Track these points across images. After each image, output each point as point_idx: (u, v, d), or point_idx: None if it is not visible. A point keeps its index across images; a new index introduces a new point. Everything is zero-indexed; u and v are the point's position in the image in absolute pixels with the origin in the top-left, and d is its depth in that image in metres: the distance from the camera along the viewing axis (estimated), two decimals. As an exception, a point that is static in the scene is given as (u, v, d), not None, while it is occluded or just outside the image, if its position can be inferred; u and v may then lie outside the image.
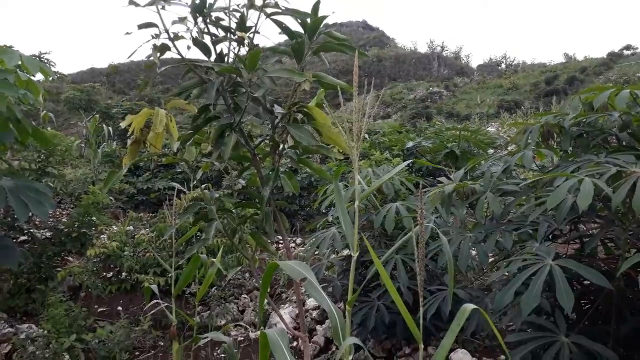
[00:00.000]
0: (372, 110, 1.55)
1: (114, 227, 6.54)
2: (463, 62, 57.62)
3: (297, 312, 5.18)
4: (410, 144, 4.53)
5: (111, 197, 7.53)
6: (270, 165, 2.15)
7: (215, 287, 5.92)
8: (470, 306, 1.20)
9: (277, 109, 2.02)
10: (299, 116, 2.13)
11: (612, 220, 2.21)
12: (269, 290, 6.11)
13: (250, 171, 2.30)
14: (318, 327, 4.77)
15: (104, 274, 5.58)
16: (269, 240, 2.33)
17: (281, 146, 2.11)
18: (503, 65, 53.34)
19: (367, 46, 54.10)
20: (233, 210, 2.25)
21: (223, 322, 5.29)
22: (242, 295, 5.97)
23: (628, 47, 39.47)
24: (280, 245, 7.72)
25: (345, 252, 4.56)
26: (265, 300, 5.91)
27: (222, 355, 4.53)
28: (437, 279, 3.32)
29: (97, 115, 11.50)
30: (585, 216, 2.36)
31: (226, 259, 5.79)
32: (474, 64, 59.56)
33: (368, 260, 3.62)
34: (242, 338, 5.04)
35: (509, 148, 4.52)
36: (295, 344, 4.66)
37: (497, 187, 2.66)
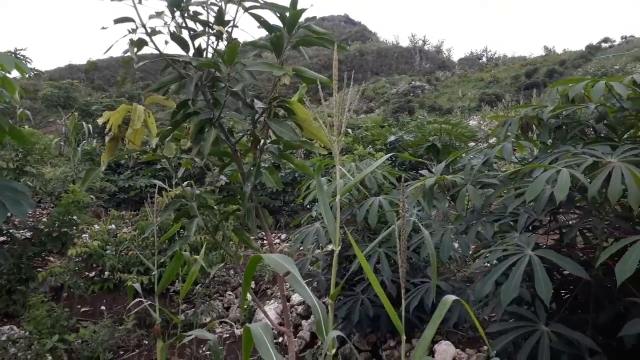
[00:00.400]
0: (353, 105, 1.55)
1: (95, 226, 6.45)
2: (445, 55, 58.00)
3: (282, 308, 5.18)
4: (392, 138, 4.55)
5: (92, 196, 7.42)
6: (252, 161, 2.14)
7: (199, 285, 5.88)
8: (451, 297, 1.21)
9: (258, 104, 2.01)
10: (280, 111, 2.12)
11: (589, 211, 2.25)
12: (253, 286, 6.11)
13: (232, 167, 2.29)
14: (304, 322, 4.77)
15: (86, 273, 5.50)
16: (252, 237, 2.32)
17: (262, 141, 2.10)
18: (484, 59, 53.85)
19: (349, 40, 54.11)
20: (215, 207, 2.23)
21: (208, 319, 5.27)
22: (227, 292, 5.94)
23: (606, 40, 40.17)
24: (264, 242, 7.71)
25: (330, 247, 4.56)
26: (250, 297, 5.88)
27: (207, 352, 4.51)
28: (420, 271, 3.34)
29: (76, 113, 11.29)
30: (564, 207, 2.40)
31: (210, 256, 5.75)
32: (456, 57, 60.00)
33: (352, 255, 3.63)
34: (227, 335, 5.02)
35: (490, 141, 4.57)
36: (280, 339, 4.66)
37: (478, 180, 2.69)
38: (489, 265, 2.54)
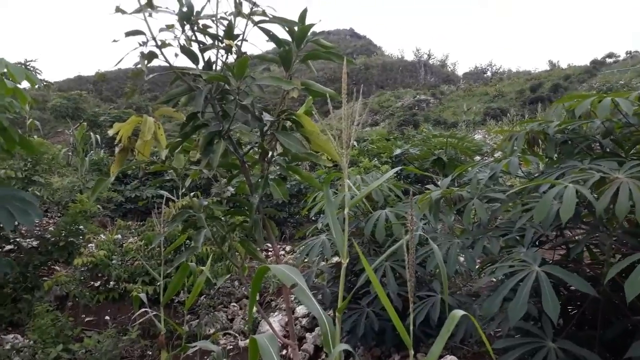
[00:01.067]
0: (361, 118, 1.57)
1: (101, 235, 6.47)
2: (449, 70, 58.23)
3: (286, 320, 5.16)
4: (398, 151, 4.57)
5: (99, 206, 7.46)
6: (259, 172, 2.15)
7: (204, 296, 5.88)
8: (459, 312, 1.21)
9: (266, 117, 2.03)
10: (288, 124, 2.14)
11: (596, 226, 2.25)
12: (257, 298, 6.10)
13: (239, 179, 2.30)
14: (307, 334, 4.75)
15: (92, 283, 5.51)
16: (258, 248, 2.33)
17: (270, 154, 2.12)
18: (489, 73, 54.00)
19: (355, 54, 54.47)
20: (222, 218, 2.24)
21: (212, 330, 5.26)
22: (231, 304, 5.93)
23: (610, 55, 40.24)
24: (269, 253, 7.70)
25: (335, 259, 4.56)
26: (255, 308, 5.88)
27: (211, 364, 4.49)
28: (426, 285, 3.33)
29: (85, 124, 11.40)
30: (570, 222, 2.39)
31: (215, 267, 5.76)
32: (460, 71, 60.21)
33: (358, 268, 3.63)
34: (231, 347, 5.00)
35: (495, 155, 4.57)
36: (284, 352, 4.64)
37: (484, 194, 2.69)
38: (494, 280, 2.52)
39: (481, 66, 57.05)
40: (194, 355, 4.58)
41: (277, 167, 2.14)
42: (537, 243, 2.65)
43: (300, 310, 5.12)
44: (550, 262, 2.19)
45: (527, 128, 2.84)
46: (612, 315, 2.24)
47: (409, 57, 59.61)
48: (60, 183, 7.71)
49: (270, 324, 2.63)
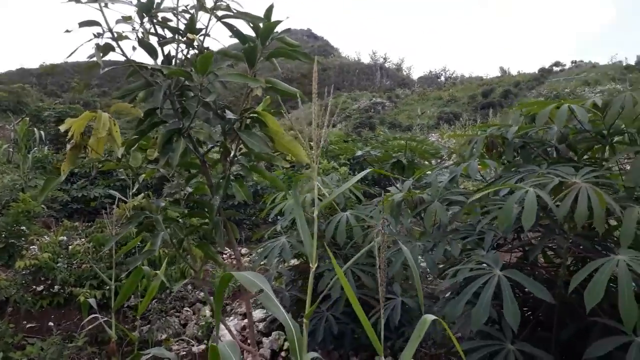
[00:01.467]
0: (332, 119, 1.53)
1: (45, 237, 6.13)
2: (405, 73, 59.40)
3: (242, 324, 5.05)
4: (359, 153, 4.58)
5: (43, 206, 7.07)
6: (221, 172, 2.07)
7: (155, 300, 5.67)
8: (430, 317, 1.19)
9: (229, 115, 1.95)
10: (251, 122, 2.08)
11: (552, 230, 2.30)
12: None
13: (197, 179, 2.21)
14: (264, 339, 4.66)
15: (34, 287, 5.20)
16: (218, 251, 2.24)
17: (232, 153, 2.04)
18: (442, 78, 55.44)
19: (312, 55, 54.50)
20: (180, 220, 2.14)
21: (164, 336, 5.07)
22: (184, 308, 5.75)
23: (557, 64, 42.28)
24: (223, 256, 7.55)
25: (293, 262, 4.50)
26: (209, 313, 5.71)
27: (164, 371, 4.32)
28: (386, 288, 3.33)
29: (27, 119, 10.79)
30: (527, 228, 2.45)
31: (169, 270, 5.56)
32: (415, 76, 61.51)
33: (318, 272, 3.58)
34: (184, 353, 4.84)
35: (452, 158, 4.65)
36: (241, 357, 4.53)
37: (445, 197, 2.72)
38: (454, 283, 2.54)
39: (435, 71, 58.53)
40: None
41: (240, 168, 2.07)
42: (495, 245, 2.69)
43: (257, 314, 5.02)
44: (506, 263, 2.23)
45: (487, 132, 2.89)
46: (566, 316, 2.30)
47: (366, 59, 60.35)
48: (0, 181, 7.26)
49: (229, 330, 2.55)
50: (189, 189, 2.20)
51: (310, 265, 1.38)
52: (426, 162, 4.47)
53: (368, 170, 1.45)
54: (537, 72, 40.30)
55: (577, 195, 1.84)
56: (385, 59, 58.46)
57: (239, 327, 4.89)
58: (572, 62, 42.81)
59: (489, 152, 2.94)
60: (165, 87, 1.88)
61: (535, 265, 2.46)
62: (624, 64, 36.60)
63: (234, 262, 7.31)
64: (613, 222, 2.33)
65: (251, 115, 2.03)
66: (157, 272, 2.81)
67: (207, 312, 5.69)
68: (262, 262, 3.56)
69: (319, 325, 3.32)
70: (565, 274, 2.13)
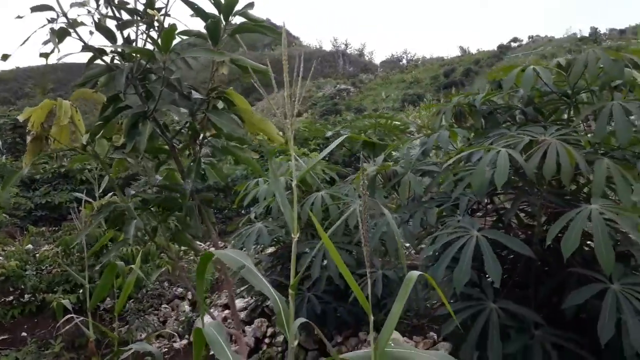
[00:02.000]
0: (302, 92, 1.50)
1: (11, 246, 5.90)
2: (367, 59, 59.64)
3: (223, 315, 5.01)
4: (329, 133, 4.57)
5: (5, 215, 6.80)
6: (191, 156, 2.02)
7: (132, 300, 5.57)
8: (415, 273, 1.19)
9: (195, 95, 1.90)
10: (220, 103, 2.03)
11: (524, 190, 2.35)
12: (190, 297, 5.87)
13: (167, 166, 2.15)
14: (247, 328, 4.64)
15: (4, 298, 5.01)
16: (196, 238, 2.20)
17: (202, 136, 1.99)
18: (404, 61, 55.89)
19: (273, 44, 54.04)
20: (152, 208, 2.08)
21: (144, 335, 4.99)
22: (162, 306, 5.67)
23: (515, 40, 43.21)
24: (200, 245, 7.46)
25: (271, 249, 4.47)
26: (189, 308, 5.62)
27: (147, 370, 4.25)
28: (361, 262, 3.34)
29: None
30: (502, 188, 2.49)
31: (145, 267, 5.46)
32: (377, 60, 61.82)
33: (299, 251, 3.57)
34: (165, 349, 4.77)
35: (421, 133, 4.69)
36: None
37: (417, 168, 2.73)
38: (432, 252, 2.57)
39: (397, 54, 58.97)
40: (127, 361, 4.31)
41: (211, 150, 2.02)
42: (469, 212, 2.73)
43: (239, 303, 4.98)
44: (482, 227, 2.26)
45: (454, 101, 2.91)
46: (543, 274, 2.36)
47: (327, 47, 60.24)
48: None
49: (213, 317, 2.51)
50: (158, 177, 2.14)
51: (292, 235, 1.35)
52: (397, 139, 4.50)
53: (344, 136, 1.43)
54: (496, 48, 41.07)
55: (546, 150, 1.87)
56: (346, 45, 58.53)
57: (219, 319, 4.85)
58: (529, 37, 43.85)
59: (457, 122, 2.96)
60: (127, 70, 1.81)
61: (510, 228, 2.50)
62: (579, 36, 37.67)
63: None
64: (583, 181, 2.40)
65: (219, 95, 1.98)
66: (132, 266, 2.75)
67: (186, 308, 5.62)
68: (240, 249, 3.51)
69: (302, 306, 3.31)
70: (541, 231, 2.17)
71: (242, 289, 4.22)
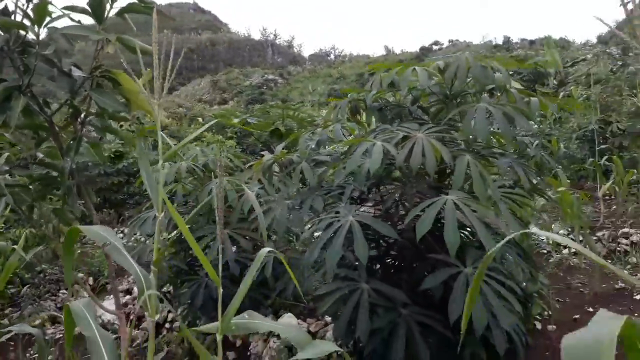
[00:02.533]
0: (175, 66, 1.54)
1: None
2: (296, 51, 59.65)
3: (124, 301, 4.90)
4: (236, 120, 4.60)
5: None
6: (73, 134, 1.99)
7: (27, 286, 5.30)
8: (265, 250, 1.29)
9: (76, 72, 1.87)
10: (105, 82, 2.01)
11: (404, 182, 2.55)
12: (92, 282, 5.67)
13: (49, 143, 2.10)
14: (146, 313, 4.58)
15: None
16: (76, 217, 2.17)
17: (84, 114, 1.97)
18: (332, 56, 56.56)
19: (200, 29, 52.57)
20: (30, 186, 2.03)
21: (38, 321, 4.77)
22: (60, 291, 5.43)
23: (436, 43, 45.21)
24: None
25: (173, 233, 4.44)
26: (86, 293, 5.43)
27: (36, 355, 4.09)
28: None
29: None
30: (385, 180, 2.68)
31: (40, 251, 5.19)
32: (306, 53, 62.07)
33: (197, 237, 3.59)
34: (60, 335, 4.59)
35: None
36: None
37: (312, 158, 2.86)
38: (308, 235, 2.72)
39: (325, 49, 59.55)
40: (14, 347, 4.12)
41: (94, 129, 2.00)
42: (358, 201, 2.90)
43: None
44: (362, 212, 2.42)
45: (349, 97, 3.06)
46: (416, 259, 2.57)
47: (256, 36, 59.52)
48: None
49: (100, 305, 2.49)
50: (39, 154, 2.09)
51: (157, 213, 1.40)
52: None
53: (213, 121, 1.49)
54: (418, 50, 42.73)
55: (414, 145, 2.05)
56: (275, 35, 58.14)
57: (119, 304, 4.74)
58: (449, 41, 46.11)
59: (353, 116, 3.12)
60: (2, 42, 1.75)
61: (391, 216, 2.69)
62: (493, 43, 40.15)
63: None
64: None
65: (103, 74, 1.97)
66: (15, 247, 2.64)
67: (86, 294, 5.42)
68: (135, 234, 3.48)
69: (199, 292, 3.35)
70: (412, 219, 2.37)
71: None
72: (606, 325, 0.57)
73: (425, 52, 41.93)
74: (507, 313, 1.99)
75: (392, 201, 2.52)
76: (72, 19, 1.93)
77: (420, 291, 2.43)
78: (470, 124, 2.25)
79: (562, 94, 11.36)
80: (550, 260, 4.46)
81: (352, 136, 3.40)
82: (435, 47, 43.89)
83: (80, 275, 5.73)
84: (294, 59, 54.90)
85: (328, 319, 3.55)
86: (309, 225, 2.56)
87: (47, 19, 1.70)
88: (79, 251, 6.48)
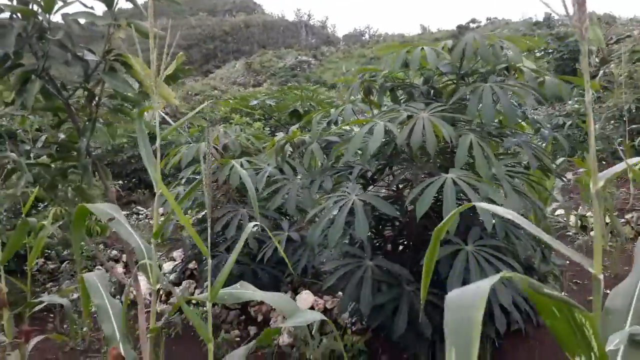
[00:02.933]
0: (171, 46, 1.62)
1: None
2: (330, 31, 59.11)
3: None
4: (254, 102, 4.67)
5: None
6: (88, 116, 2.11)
7: (66, 262, 5.63)
8: (250, 225, 1.36)
9: (89, 56, 1.98)
10: (118, 66, 2.11)
11: (410, 162, 2.57)
12: (125, 260, 5.95)
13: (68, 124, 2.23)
14: (176, 289, 4.78)
15: None
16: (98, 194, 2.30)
17: (97, 97, 2.08)
18: (367, 36, 55.78)
19: (234, 11, 52.72)
20: (52, 165, 2.17)
21: (76, 295, 5.06)
22: (96, 268, 5.73)
23: (473, 21, 43.86)
24: (140, 215, 7.49)
25: (202, 214, 4.60)
26: (122, 270, 5.69)
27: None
28: (276, 224, 3.51)
29: None
30: (394, 160, 2.70)
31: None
32: (340, 33, 61.45)
33: (216, 216, 3.71)
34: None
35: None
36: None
37: (323, 138, 2.91)
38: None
39: (359, 29, 58.74)
40: (52, 318, 4.40)
41: (106, 110, 2.11)
42: (371, 182, 2.93)
43: (167, 266, 5.11)
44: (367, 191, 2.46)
45: (362, 78, 3.08)
46: (421, 239, 2.60)
47: (290, 17, 59.30)
48: None
49: (114, 272, 2.64)
50: (61, 135, 2.22)
51: (155, 190, 1.49)
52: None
53: (204, 104, 1.56)
54: (455, 28, 41.57)
55: (414, 124, 2.07)
56: (309, 16, 57.73)
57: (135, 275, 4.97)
58: (487, 19, 44.61)
59: (367, 96, 3.14)
60: (19, 28, 1.86)
61: (401, 195, 2.72)
62: (534, 21, 38.59)
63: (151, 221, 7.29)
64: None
65: (116, 58, 2.06)
66: (44, 223, 2.82)
67: (120, 270, 5.70)
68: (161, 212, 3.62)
69: (219, 267, 3.48)
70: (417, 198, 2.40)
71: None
72: (486, 281, 0.61)
73: (462, 30, 40.70)
74: (506, 291, 2.00)
75: (399, 181, 2.55)
76: (85, 5, 2.03)
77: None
78: (476, 105, 2.24)
79: (601, 72, 10.91)
80: (575, 243, 4.39)
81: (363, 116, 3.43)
82: (472, 25, 42.61)
83: (115, 252, 6.02)
84: (328, 39, 54.49)
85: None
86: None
87: (59, 4, 1.80)
88: (113, 230, 6.77)
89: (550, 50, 20.33)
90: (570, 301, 0.65)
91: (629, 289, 0.86)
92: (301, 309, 1.42)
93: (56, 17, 1.97)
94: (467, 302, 0.57)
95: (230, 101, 6.09)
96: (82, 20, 1.95)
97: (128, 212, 6.70)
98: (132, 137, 8.09)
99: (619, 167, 0.82)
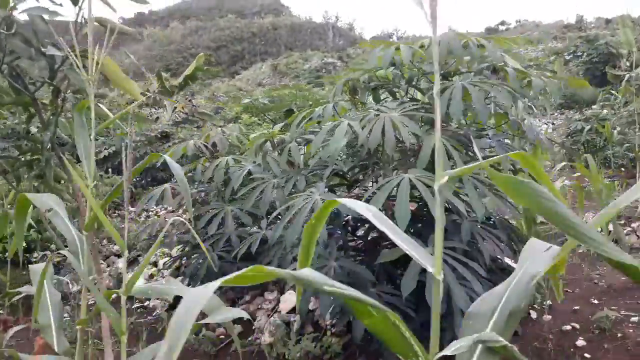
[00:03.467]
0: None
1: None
2: (357, 33, 59.06)
3: (150, 273, 5.21)
4: (245, 101, 4.69)
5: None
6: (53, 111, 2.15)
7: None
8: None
9: (52, 51, 2.01)
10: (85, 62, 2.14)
11: (378, 163, 2.52)
12: (127, 254, 6.05)
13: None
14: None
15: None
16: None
17: (63, 92, 2.11)
18: (394, 38, 55.50)
19: (262, 13, 53.21)
20: (21, 158, 2.22)
21: (77, 288, 5.17)
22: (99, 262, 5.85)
23: (503, 23, 43.17)
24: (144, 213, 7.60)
25: (185, 216, 4.64)
26: (122, 265, 5.79)
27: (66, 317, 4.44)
28: (255, 224, 3.49)
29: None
30: (371, 160, 2.66)
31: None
32: (367, 36, 61.33)
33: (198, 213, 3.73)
34: (93, 301, 4.96)
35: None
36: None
37: (302, 137, 2.89)
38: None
39: (387, 31, 58.50)
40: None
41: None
42: (355, 183, 2.89)
43: (163, 263, 5.17)
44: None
45: (347, 77, 3.05)
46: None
47: (318, 19, 59.54)
48: None
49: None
50: (32, 129, 2.26)
51: (89, 183, 1.50)
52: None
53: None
54: (484, 30, 41.00)
55: (374, 124, 2.03)
56: (337, 18, 57.82)
57: (146, 276, 5.04)
58: (516, 21, 43.83)
59: (352, 95, 3.11)
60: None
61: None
62: (565, 23, 37.75)
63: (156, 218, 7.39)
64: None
65: (82, 54, 2.09)
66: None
67: (120, 265, 5.80)
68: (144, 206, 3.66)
69: (203, 265, 3.49)
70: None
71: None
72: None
73: (491, 32, 40.09)
74: (464, 295, 1.94)
75: (368, 181, 2.50)
76: (53, 2, 2.07)
77: (389, 270, 2.42)
78: (445, 102, 2.19)
79: (627, 76, 10.57)
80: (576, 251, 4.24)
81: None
82: (501, 28, 41.94)
83: (116, 247, 6.13)
84: (356, 41, 54.43)
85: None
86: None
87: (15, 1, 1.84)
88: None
89: (579, 53, 19.79)
90: (380, 306, 0.62)
91: (500, 292, 0.82)
92: (225, 307, 1.40)
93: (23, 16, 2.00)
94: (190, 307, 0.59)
95: (226, 101, 6.14)
96: (46, 17, 1.98)
97: (135, 209, 6.80)
98: (145, 134, 8.24)
99: (469, 166, 0.77)
